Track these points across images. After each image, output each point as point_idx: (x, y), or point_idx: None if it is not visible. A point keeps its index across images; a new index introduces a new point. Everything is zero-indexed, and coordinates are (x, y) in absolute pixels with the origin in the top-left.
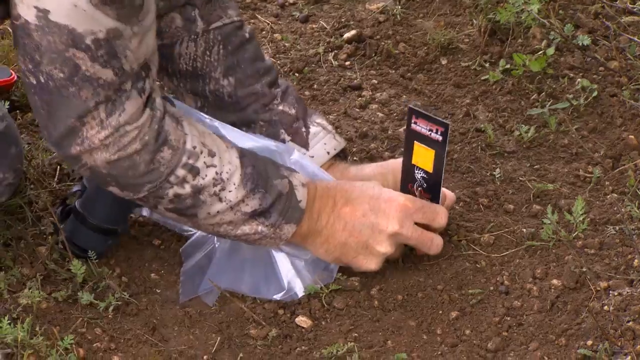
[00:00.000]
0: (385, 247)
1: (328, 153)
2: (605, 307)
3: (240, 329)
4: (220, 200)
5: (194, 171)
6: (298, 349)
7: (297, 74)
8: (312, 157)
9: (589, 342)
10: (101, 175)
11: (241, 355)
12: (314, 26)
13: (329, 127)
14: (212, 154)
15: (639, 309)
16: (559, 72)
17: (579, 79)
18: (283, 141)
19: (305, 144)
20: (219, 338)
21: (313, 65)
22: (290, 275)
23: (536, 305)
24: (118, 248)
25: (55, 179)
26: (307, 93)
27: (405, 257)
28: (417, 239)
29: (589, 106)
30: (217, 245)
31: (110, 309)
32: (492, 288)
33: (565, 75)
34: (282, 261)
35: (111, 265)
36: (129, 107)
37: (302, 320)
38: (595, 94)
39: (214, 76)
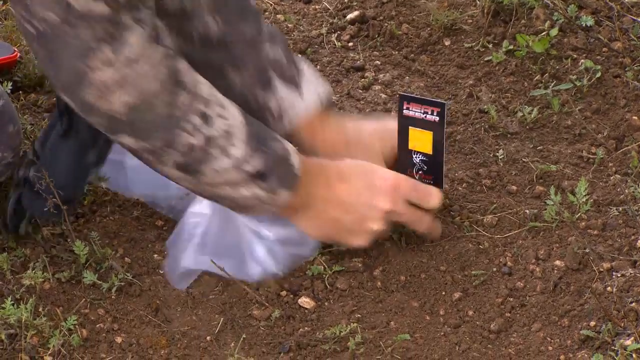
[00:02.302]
0: (378, 225)
1: (321, 101)
2: (609, 288)
3: (243, 310)
4: (227, 155)
5: (207, 120)
6: (301, 329)
7: (300, 55)
8: (305, 104)
9: (592, 323)
10: (119, 123)
11: (244, 336)
12: (317, 7)
13: (317, 73)
14: (221, 105)
15: None
16: (562, 53)
17: (582, 60)
18: (274, 87)
19: (298, 88)
20: (222, 319)
21: (316, 46)
22: (264, 254)
23: (539, 286)
24: (121, 229)
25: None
26: None
27: (408, 237)
28: (410, 216)
29: (593, 87)
30: (198, 231)
31: (114, 289)
32: (495, 269)
33: (568, 56)
34: (255, 241)
35: (114, 246)
36: (133, 40)
37: (305, 301)
38: (598, 74)
39: (200, 14)
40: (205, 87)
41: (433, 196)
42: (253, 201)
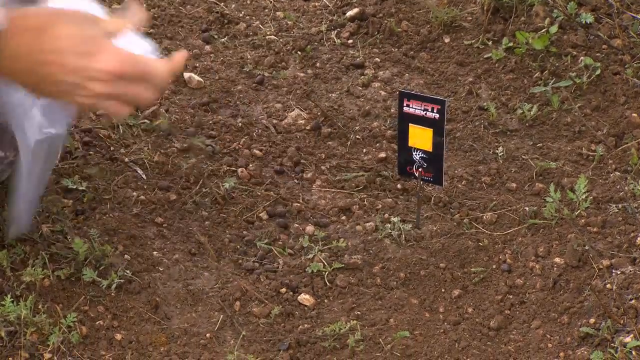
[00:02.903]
0: (100, 87)
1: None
2: (608, 285)
3: (243, 307)
4: None
5: None
6: (300, 326)
7: (299, 52)
8: None
9: (592, 320)
10: None
11: (244, 333)
12: (316, 4)
13: None
14: None
15: None
16: (562, 50)
17: (582, 57)
18: None
19: None
20: (221, 316)
21: (316, 43)
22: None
23: (539, 284)
24: (120, 226)
25: (58, 157)
26: (309, 71)
27: (408, 234)
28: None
29: (592, 84)
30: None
31: (113, 286)
32: (494, 266)
33: (568, 53)
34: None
35: (114, 243)
36: None
37: (305, 299)
38: (598, 72)
39: None
40: None
41: (158, 75)
42: None
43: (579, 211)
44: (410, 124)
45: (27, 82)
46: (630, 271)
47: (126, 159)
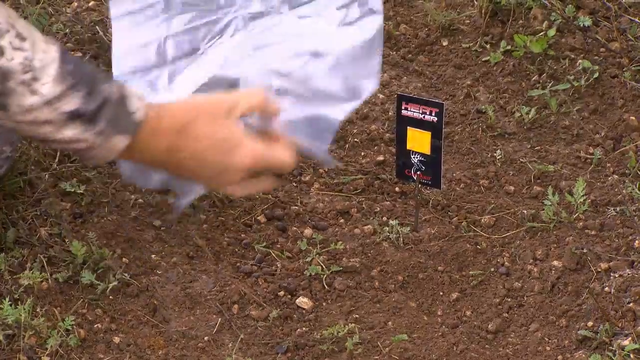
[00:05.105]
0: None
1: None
2: (606, 289)
3: (241, 310)
4: (33, 92)
5: None
6: (299, 330)
7: None
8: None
9: (590, 324)
10: None
11: (242, 336)
12: None
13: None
14: (21, 37)
15: (639, 290)
16: (560, 54)
17: (580, 60)
18: None
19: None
20: (219, 319)
21: None
22: None
23: (537, 287)
24: (119, 229)
25: (56, 160)
26: None
27: (405, 238)
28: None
29: (590, 87)
30: None
31: (110, 289)
32: (492, 269)
33: (566, 56)
34: None
35: (112, 246)
36: None
37: (303, 302)
38: (596, 75)
39: None
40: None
41: (286, 164)
42: (82, 144)
43: (577, 214)
44: (408, 127)
45: (162, 169)
46: (629, 274)
47: None
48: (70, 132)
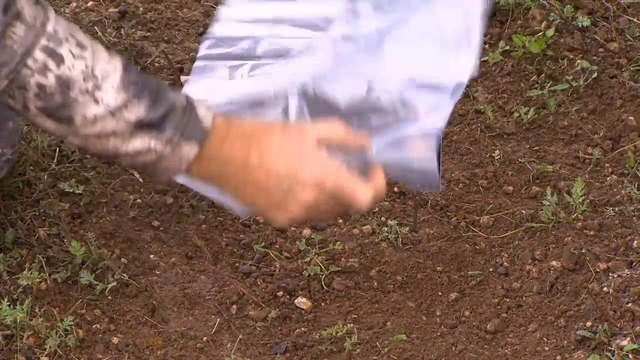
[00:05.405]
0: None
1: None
2: (605, 289)
3: (240, 310)
4: (96, 101)
5: (57, 58)
6: (297, 330)
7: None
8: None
9: (588, 324)
10: None
11: (241, 336)
12: None
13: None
14: (81, 46)
15: (638, 290)
16: (559, 54)
17: (578, 60)
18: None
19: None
20: (218, 319)
21: None
22: None
23: (535, 287)
24: (117, 229)
25: (55, 160)
26: None
27: (404, 238)
28: (327, 216)
29: (589, 87)
30: None
31: (108, 289)
32: (491, 269)
33: (564, 56)
34: None
35: (110, 246)
36: None
37: (302, 302)
38: (594, 75)
39: None
40: (60, 26)
41: (359, 200)
42: (152, 155)
43: (575, 214)
44: None
45: (226, 188)
46: (627, 274)
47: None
48: (138, 142)
